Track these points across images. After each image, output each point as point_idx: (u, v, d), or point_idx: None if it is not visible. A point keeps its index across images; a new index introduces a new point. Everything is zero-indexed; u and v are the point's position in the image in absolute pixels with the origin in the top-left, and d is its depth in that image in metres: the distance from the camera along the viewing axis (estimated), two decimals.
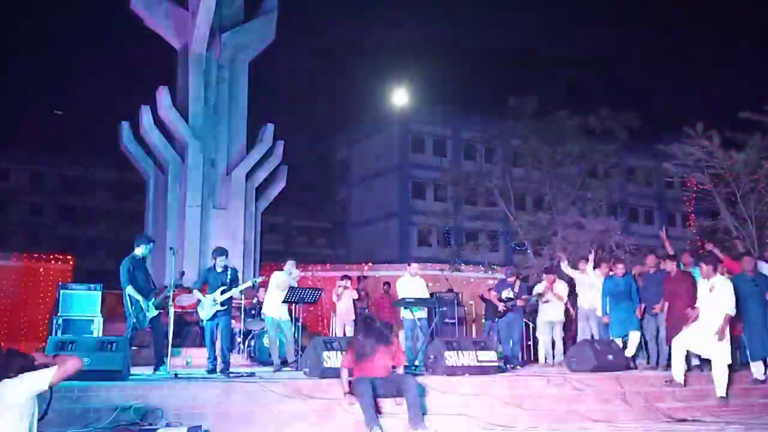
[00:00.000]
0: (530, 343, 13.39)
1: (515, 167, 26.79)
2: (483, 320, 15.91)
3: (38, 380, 4.49)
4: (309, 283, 16.63)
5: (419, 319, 10.71)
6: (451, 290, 14.96)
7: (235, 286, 9.38)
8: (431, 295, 11.74)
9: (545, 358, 12.34)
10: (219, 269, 9.39)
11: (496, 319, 11.95)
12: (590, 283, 11.44)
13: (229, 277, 9.35)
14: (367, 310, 14.85)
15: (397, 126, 38.61)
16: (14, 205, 46.99)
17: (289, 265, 10.74)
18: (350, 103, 63.60)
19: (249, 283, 10.23)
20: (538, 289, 12.32)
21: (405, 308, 10.81)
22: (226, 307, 9.34)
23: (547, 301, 12.04)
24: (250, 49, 17.05)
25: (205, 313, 9.27)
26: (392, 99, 38.53)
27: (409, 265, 11.40)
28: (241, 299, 12.03)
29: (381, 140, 39.88)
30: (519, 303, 11.35)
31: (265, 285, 11.63)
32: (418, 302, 10.70)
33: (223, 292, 9.23)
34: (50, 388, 4.55)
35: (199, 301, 9.46)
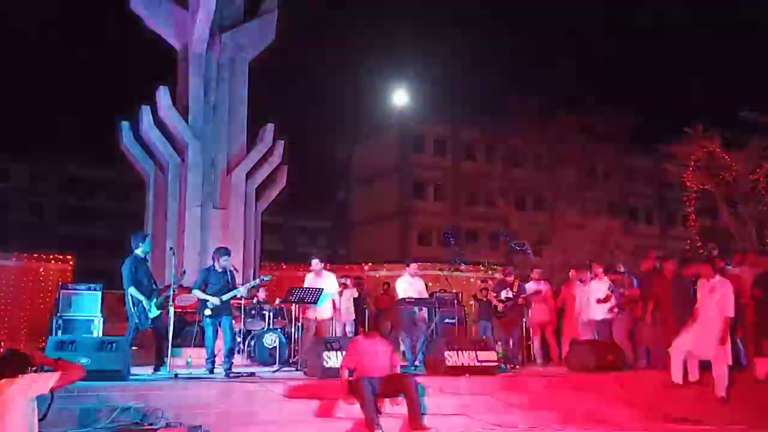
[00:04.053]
0: (530, 343, 13.40)
1: (515, 167, 26.83)
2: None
3: (40, 383, 4.50)
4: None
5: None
6: (444, 290, 14.95)
7: (235, 288, 9.35)
8: (431, 295, 11.74)
9: (534, 358, 12.41)
10: (219, 269, 9.33)
11: (493, 319, 11.99)
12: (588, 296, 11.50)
13: (230, 276, 9.33)
14: (367, 310, 14.86)
15: (397, 126, 38.60)
16: (14, 205, 46.99)
17: (315, 264, 10.79)
18: (350, 103, 63.64)
19: (257, 282, 10.24)
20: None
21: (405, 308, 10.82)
22: (228, 306, 9.33)
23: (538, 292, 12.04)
24: (250, 49, 17.02)
25: (208, 312, 9.15)
26: (392, 99, 38.56)
27: (408, 265, 11.39)
28: (241, 299, 12.02)
29: (381, 140, 39.87)
30: (519, 301, 11.38)
31: (264, 285, 11.66)
32: (418, 302, 10.70)
33: (227, 292, 9.20)
34: (51, 391, 4.55)
35: (200, 300, 9.35)
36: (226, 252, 9.47)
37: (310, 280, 10.71)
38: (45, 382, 4.52)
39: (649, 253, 11.37)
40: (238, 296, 9.84)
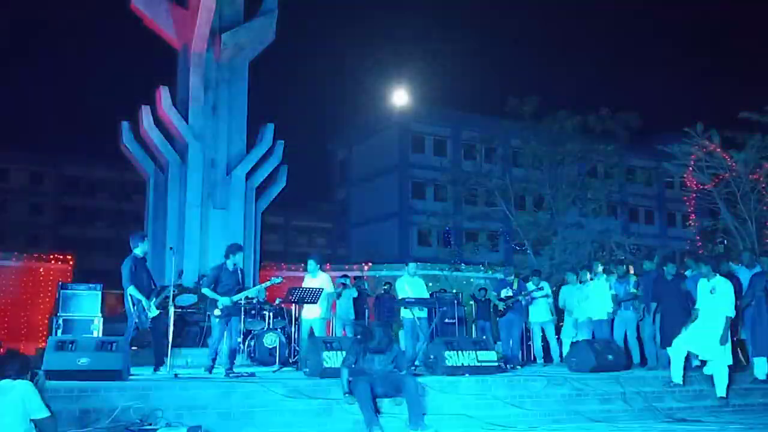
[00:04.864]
0: (530, 343, 13.42)
1: (515, 167, 26.80)
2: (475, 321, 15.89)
3: (36, 408, 4.69)
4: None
5: (419, 318, 10.71)
6: (444, 290, 14.95)
7: (245, 288, 9.32)
8: (431, 295, 11.72)
9: (534, 358, 12.41)
10: (231, 268, 9.21)
11: (497, 319, 11.98)
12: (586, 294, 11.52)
13: (239, 276, 9.28)
14: (366, 310, 14.87)
15: (397, 126, 38.58)
16: (14, 205, 46.97)
17: (310, 264, 10.79)
18: (350, 103, 63.75)
19: (268, 284, 10.21)
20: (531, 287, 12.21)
21: (405, 308, 10.82)
22: (238, 307, 9.30)
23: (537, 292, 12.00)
24: (250, 49, 17.04)
25: (218, 312, 9.01)
26: (392, 99, 38.53)
27: (407, 265, 11.39)
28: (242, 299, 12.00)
29: (381, 140, 39.85)
30: (519, 299, 11.39)
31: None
32: (418, 302, 10.70)
33: (238, 292, 9.16)
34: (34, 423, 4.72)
35: (209, 299, 9.15)
36: (239, 249, 9.42)
37: (306, 281, 10.72)
38: (41, 410, 4.68)
39: (652, 252, 11.39)
40: (251, 297, 9.76)
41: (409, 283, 11.00)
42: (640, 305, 10.77)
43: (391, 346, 7.58)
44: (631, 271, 11.39)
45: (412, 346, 10.69)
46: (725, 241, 15.78)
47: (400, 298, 10.83)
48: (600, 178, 26.18)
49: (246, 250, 16.05)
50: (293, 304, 10.51)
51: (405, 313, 10.88)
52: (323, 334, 10.44)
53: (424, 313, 10.88)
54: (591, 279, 11.70)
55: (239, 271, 9.31)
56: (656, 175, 36.28)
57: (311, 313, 10.37)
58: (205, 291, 9.17)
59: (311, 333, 10.37)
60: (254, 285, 13.86)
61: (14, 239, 42.39)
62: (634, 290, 10.75)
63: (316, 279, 10.60)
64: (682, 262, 10.98)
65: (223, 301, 8.98)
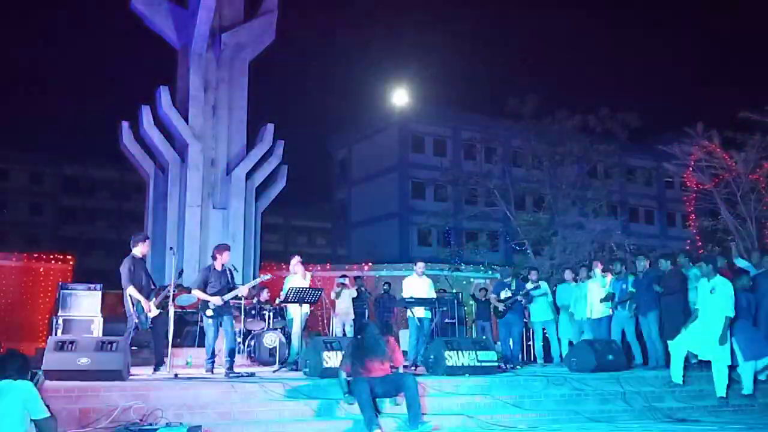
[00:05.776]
0: (530, 343, 13.43)
1: (515, 167, 26.80)
2: (473, 320, 15.89)
3: (36, 408, 4.67)
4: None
5: (419, 318, 10.72)
6: (444, 290, 14.96)
7: (235, 287, 9.34)
8: None
9: (534, 358, 12.40)
10: (219, 268, 9.29)
11: (493, 319, 11.98)
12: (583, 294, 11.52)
13: (229, 276, 9.31)
14: (366, 310, 14.89)
15: (397, 126, 38.57)
16: (14, 205, 46.96)
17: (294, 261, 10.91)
18: (350, 103, 63.77)
19: (257, 281, 10.25)
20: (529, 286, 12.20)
21: (407, 308, 10.83)
22: (229, 306, 9.31)
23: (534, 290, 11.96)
24: (250, 49, 17.04)
25: (210, 312, 9.09)
26: (392, 99, 38.50)
27: (415, 264, 11.39)
28: (241, 299, 12.01)
29: (381, 140, 39.83)
30: (519, 298, 11.38)
31: (266, 285, 11.70)
32: (418, 302, 10.70)
33: (229, 291, 9.19)
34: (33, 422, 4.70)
35: (201, 300, 9.22)
36: (226, 248, 9.47)
37: (289, 280, 10.87)
38: (41, 410, 4.66)
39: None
40: (239, 296, 9.83)
41: (416, 283, 11.00)
42: (631, 304, 10.73)
43: (385, 351, 7.52)
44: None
45: (414, 345, 10.71)
46: (735, 240, 15.78)
47: (403, 297, 10.84)
48: (600, 178, 26.20)
49: (246, 250, 16.09)
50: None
51: (409, 313, 10.91)
52: (301, 330, 10.48)
53: (428, 314, 10.89)
54: (588, 278, 11.71)
55: (228, 271, 9.34)
56: (656, 175, 36.33)
57: (294, 311, 10.46)
58: (195, 292, 9.23)
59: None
60: None
61: (14, 239, 42.39)
62: (632, 289, 10.74)
63: (293, 276, 10.89)
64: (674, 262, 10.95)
65: (215, 301, 9.03)
